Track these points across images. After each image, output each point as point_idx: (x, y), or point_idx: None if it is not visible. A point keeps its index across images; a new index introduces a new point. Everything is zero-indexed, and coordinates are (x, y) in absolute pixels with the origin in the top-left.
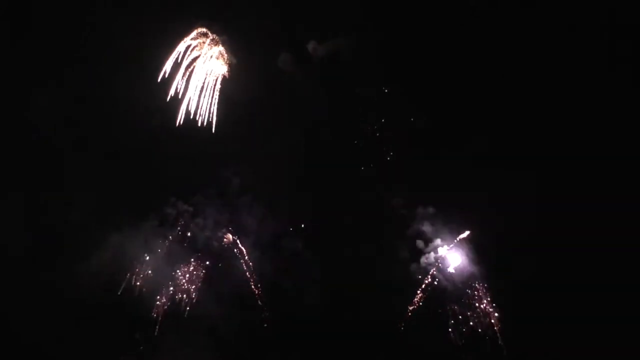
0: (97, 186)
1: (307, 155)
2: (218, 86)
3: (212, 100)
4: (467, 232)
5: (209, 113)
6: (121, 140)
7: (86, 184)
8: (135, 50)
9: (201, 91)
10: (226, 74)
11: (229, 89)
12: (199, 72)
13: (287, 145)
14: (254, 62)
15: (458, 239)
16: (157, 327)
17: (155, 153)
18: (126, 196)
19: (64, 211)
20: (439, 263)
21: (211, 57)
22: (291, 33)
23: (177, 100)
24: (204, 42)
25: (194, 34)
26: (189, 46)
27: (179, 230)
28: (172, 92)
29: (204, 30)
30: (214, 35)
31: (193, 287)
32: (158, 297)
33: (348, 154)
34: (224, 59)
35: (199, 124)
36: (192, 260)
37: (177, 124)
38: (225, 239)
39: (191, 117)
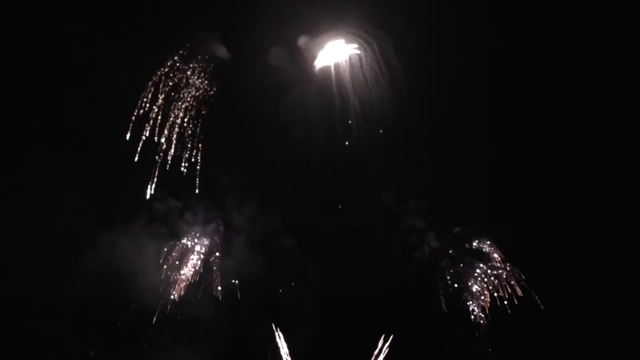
0: (86, 183)
1: (301, 153)
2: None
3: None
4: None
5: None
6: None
7: (74, 180)
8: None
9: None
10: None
11: (222, 86)
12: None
13: (276, 142)
14: (247, 58)
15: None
16: (151, 328)
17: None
18: (115, 192)
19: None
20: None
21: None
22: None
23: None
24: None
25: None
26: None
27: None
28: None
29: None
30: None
31: (183, 285)
32: (152, 296)
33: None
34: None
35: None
36: (183, 257)
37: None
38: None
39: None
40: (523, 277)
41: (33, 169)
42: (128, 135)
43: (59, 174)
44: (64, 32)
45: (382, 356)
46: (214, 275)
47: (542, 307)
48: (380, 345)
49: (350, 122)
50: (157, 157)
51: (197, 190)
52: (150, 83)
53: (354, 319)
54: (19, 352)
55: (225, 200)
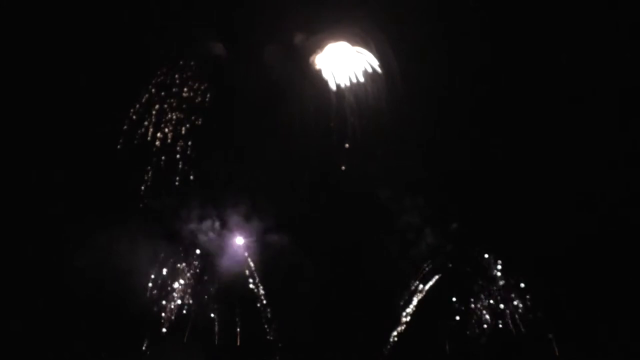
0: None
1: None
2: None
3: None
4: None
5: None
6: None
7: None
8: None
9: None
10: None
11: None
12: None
13: (272, 141)
14: (243, 56)
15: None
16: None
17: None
18: (104, 188)
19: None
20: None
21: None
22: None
23: None
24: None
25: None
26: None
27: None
28: None
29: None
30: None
31: (183, 285)
32: (147, 298)
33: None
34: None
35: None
36: (181, 257)
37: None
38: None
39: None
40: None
41: (28, 168)
42: (123, 134)
43: (53, 173)
44: (60, 31)
45: None
46: (210, 275)
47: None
48: None
49: (347, 120)
50: (151, 156)
51: (191, 188)
52: (144, 80)
53: (351, 318)
54: (19, 352)
55: (220, 199)
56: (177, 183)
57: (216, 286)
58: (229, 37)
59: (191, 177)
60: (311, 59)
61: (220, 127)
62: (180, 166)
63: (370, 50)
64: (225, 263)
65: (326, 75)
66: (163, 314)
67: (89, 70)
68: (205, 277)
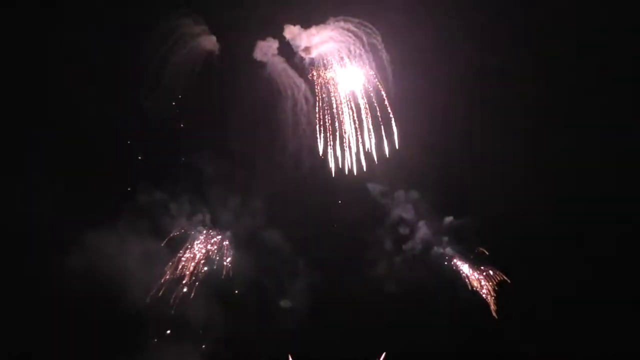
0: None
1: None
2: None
3: None
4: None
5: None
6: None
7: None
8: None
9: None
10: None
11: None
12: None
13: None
14: (235, 51)
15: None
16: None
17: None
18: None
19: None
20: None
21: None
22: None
23: None
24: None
25: None
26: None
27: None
28: None
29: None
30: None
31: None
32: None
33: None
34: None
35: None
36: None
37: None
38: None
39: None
40: None
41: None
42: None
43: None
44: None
45: None
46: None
47: None
48: None
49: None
50: (141, 151)
51: (184, 185)
52: (135, 75)
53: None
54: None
55: (213, 197)
56: (170, 183)
57: (212, 287)
58: (227, 39)
59: (185, 177)
60: (303, 53)
61: (216, 127)
62: (174, 166)
63: (363, 44)
64: (222, 263)
65: (323, 78)
66: (157, 316)
67: (82, 69)
68: (201, 278)
